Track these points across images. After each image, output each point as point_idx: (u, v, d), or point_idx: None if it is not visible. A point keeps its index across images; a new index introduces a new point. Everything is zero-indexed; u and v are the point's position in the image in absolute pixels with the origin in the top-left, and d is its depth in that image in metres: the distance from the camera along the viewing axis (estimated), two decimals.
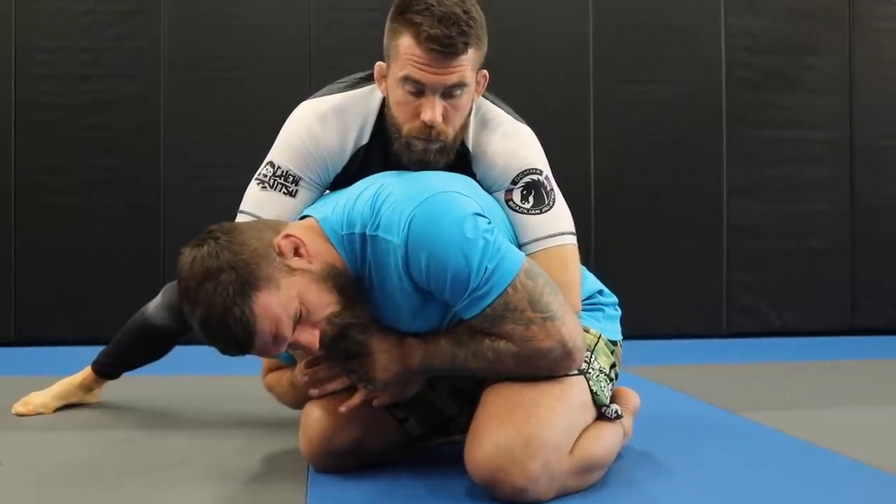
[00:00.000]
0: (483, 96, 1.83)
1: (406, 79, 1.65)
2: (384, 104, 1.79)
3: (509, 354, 1.53)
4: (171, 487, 1.67)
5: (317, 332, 1.49)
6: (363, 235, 1.53)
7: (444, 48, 1.61)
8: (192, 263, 1.45)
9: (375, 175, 1.66)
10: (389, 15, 1.70)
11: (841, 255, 4.29)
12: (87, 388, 2.39)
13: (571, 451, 1.53)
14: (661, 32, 4.20)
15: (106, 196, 3.92)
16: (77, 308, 3.87)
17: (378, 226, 1.51)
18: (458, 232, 1.47)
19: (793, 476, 1.73)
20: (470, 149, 1.80)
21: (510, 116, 1.85)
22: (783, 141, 4.26)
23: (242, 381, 2.51)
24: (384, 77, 1.74)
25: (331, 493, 1.61)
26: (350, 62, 3.61)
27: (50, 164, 3.90)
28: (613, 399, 1.85)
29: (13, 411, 2.30)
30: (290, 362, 1.82)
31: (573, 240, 1.78)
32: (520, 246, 1.73)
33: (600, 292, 1.88)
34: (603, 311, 1.84)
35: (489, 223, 1.54)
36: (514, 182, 1.77)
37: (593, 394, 1.63)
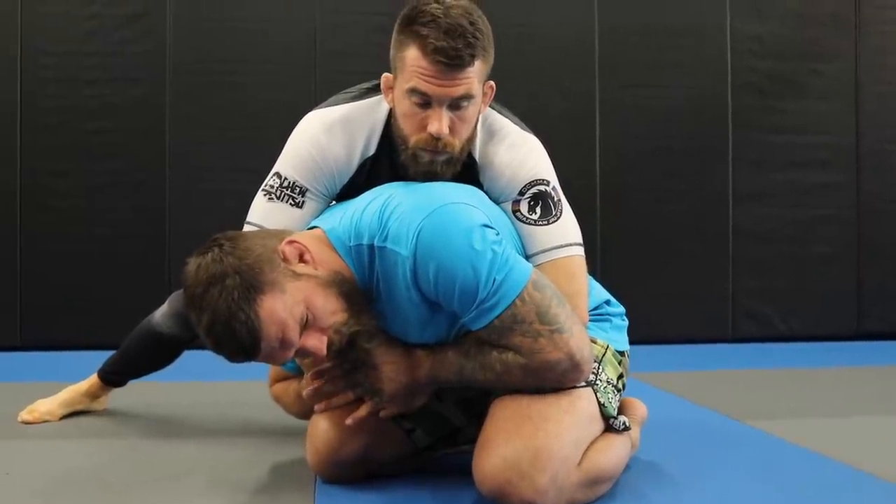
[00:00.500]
0: (490, 106, 1.83)
1: (412, 91, 1.65)
2: (391, 115, 1.78)
3: (517, 366, 1.53)
4: (177, 497, 1.67)
5: (324, 338, 1.48)
6: (371, 246, 1.53)
7: (450, 60, 1.60)
8: (196, 270, 1.45)
9: (383, 186, 1.65)
10: (396, 27, 1.69)
11: (847, 259, 4.28)
12: (93, 395, 2.39)
13: (580, 464, 1.53)
14: (666, 37, 4.19)
15: (111, 199, 3.92)
16: (82, 312, 3.87)
17: (386, 237, 1.51)
18: (466, 243, 1.47)
19: (802, 489, 1.72)
20: (477, 159, 1.80)
21: (517, 127, 1.85)
22: (789, 146, 4.25)
23: (249, 388, 2.51)
24: (391, 88, 1.74)
25: None
26: (355, 66, 3.67)
27: (55, 167, 3.90)
28: (621, 410, 1.84)
29: (19, 419, 2.30)
30: (297, 372, 1.82)
31: (580, 251, 1.78)
32: (527, 257, 1.72)
33: (608, 302, 1.87)
34: (610, 321, 1.83)
35: (497, 234, 1.53)
36: (521, 193, 1.76)
37: (601, 405, 1.63)
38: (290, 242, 1.51)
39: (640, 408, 1.95)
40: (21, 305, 3.88)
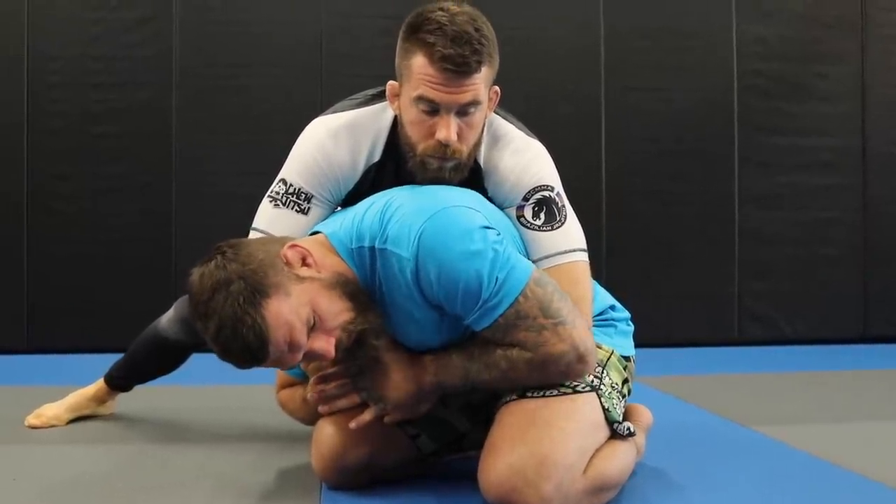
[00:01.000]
0: (494, 112, 1.83)
1: (420, 98, 1.65)
2: (396, 121, 1.79)
3: (522, 361, 1.53)
4: (184, 502, 1.67)
5: (332, 340, 1.49)
6: (372, 248, 1.54)
7: (457, 67, 1.61)
8: (200, 279, 1.46)
9: (385, 191, 1.66)
10: (401, 34, 1.70)
11: (853, 262, 4.27)
12: (99, 400, 2.40)
13: (585, 471, 1.53)
14: (672, 39, 4.19)
15: (118, 203, 3.93)
16: (88, 315, 3.88)
17: (386, 239, 1.52)
18: (467, 244, 1.48)
19: (808, 497, 1.71)
20: (481, 165, 1.80)
21: (521, 132, 1.85)
22: (795, 148, 4.24)
23: (256, 392, 2.51)
24: (396, 96, 1.74)
25: None
26: (361, 69, 3.68)
27: (61, 170, 3.92)
28: (626, 416, 1.84)
29: (26, 423, 2.31)
30: (304, 378, 1.82)
31: (585, 256, 1.78)
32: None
33: (612, 308, 1.87)
34: (615, 326, 1.84)
35: (498, 234, 1.54)
36: (525, 198, 1.77)
37: (605, 410, 1.62)
38: (292, 246, 1.52)
39: (645, 414, 1.95)
40: (27, 309, 3.89)
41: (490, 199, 1.77)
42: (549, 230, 1.75)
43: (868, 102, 4.27)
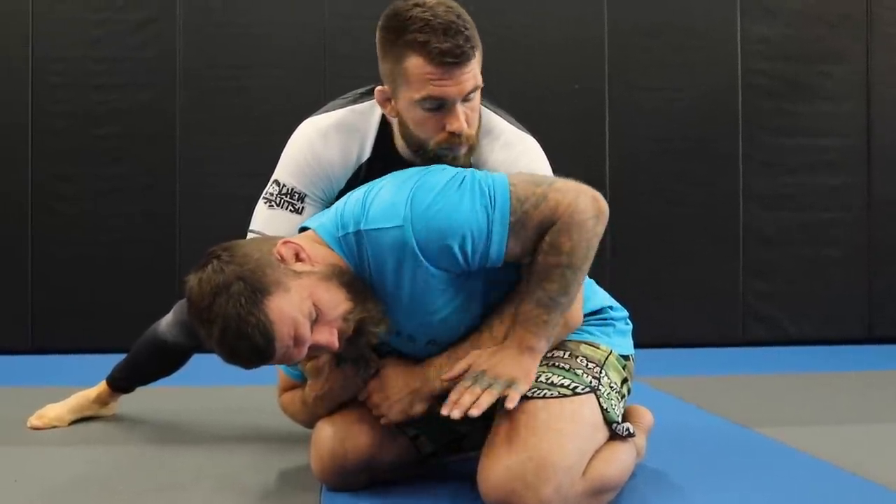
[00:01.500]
0: (485, 106, 1.84)
1: (427, 98, 1.65)
2: (384, 120, 1.81)
3: (556, 235, 1.53)
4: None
5: (334, 331, 1.49)
6: (357, 233, 1.54)
7: (457, 59, 1.62)
8: (199, 284, 1.46)
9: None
10: (382, 39, 1.69)
11: (858, 263, 4.25)
12: (102, 401, 2.40)
13: (584, 473, 1.52)
14: (676, 38, 4.18)
15: (121, 205, 3.94)
16: (91, 316, 3.88)
17: (370, 219, 1.53)
18: (454, 191, 1.53)
19: (811, 500, 1.70)
20: (471, 158, 1.81)
21: (513, 126, 1.86)
22: (799, 148, 4.23)
23: (256, 392, 2.51)
24: (389, 100, 1.74)
25: None
26: (364, 70, 3.61)
27: (65, 172, 3.93)
28: (627, 417, 1.83)
29: (28, 424, 2.31)
30: (305, 381, 1.82)
31: None
32: None
33: (611, 307, 1.86)
34: (614, 325, 1.82)
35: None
36: None
37: (604, 411, 1.62)
38: (285, 243, 1.53)
39: (646, 416, 1.94)
40: (32, 310, 3.90)
41: None
42: None
43: (873, 101, 4.25)
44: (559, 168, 1.85)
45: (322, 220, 1.63)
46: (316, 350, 1.52)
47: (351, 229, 1.55)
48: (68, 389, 2.45)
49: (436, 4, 1.64)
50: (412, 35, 1.62)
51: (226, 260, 1.47)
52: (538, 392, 1.57)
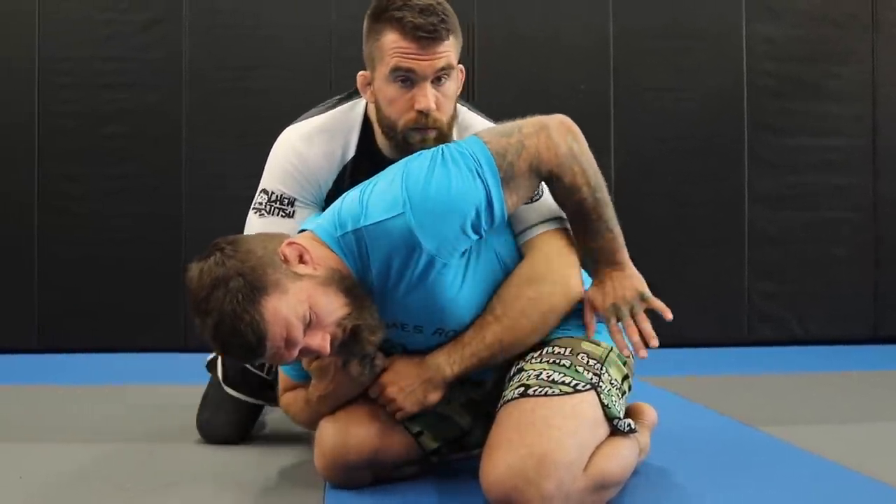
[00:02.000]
0: (461, 104, 1.87)
1: (396, 70, 1.70)
2: (367, 118, 1.85)
3: (560, 181, 1.65)
4: (186, 500, 1.68)
5: (328, 336, 1.50)
6: (356, 231, 1.55)
7: (429, 34, 1.67)
8: (199, 275, 1.48)
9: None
10: (366, 24, 1.77)
11: (863, 262, 4.24)
12: None
13: (586, 469, 1.52)
14: (681, 39, 4.17)
15: (127, 205, 3.95)
16: (97, 316, 3.88)
17: (369, 214, 1.54)
18: (440, 166, 1.56)
19: (817, 499, 1.70)
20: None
21: (489, 123, 1.87)
22: (805, 148, 4.21)
23: None
24: (368, 84, 1.80)
25: None
26: None
27: (72, 172, 3.93)
28: (630, 414, 1.83)
29: None
30: (306, 381, 1.82)
31: (566, 224, 1.78)
32: (515, 236, 1.74)
33: None
34: None
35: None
36: None
37: (604, 407, 1.61)
38: (290, 244, 1.54)
39: (649, 413, 1.94)
40: (38, 309, 3.91)
41: None
42: (528, 202, 1.73)
43: (879, 102, 4.24)
44: None
45: (320, 222, 1.64)
46: (307, 353, 1.53)
47: (350, 228, 1.55)
48: (75, 388, 2.45)
49: None
50: (390, 13, 1.70)
51: (229, 253, 1.48)
52: (539, 390, 1.57)
